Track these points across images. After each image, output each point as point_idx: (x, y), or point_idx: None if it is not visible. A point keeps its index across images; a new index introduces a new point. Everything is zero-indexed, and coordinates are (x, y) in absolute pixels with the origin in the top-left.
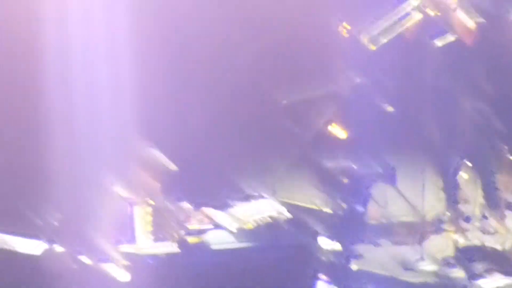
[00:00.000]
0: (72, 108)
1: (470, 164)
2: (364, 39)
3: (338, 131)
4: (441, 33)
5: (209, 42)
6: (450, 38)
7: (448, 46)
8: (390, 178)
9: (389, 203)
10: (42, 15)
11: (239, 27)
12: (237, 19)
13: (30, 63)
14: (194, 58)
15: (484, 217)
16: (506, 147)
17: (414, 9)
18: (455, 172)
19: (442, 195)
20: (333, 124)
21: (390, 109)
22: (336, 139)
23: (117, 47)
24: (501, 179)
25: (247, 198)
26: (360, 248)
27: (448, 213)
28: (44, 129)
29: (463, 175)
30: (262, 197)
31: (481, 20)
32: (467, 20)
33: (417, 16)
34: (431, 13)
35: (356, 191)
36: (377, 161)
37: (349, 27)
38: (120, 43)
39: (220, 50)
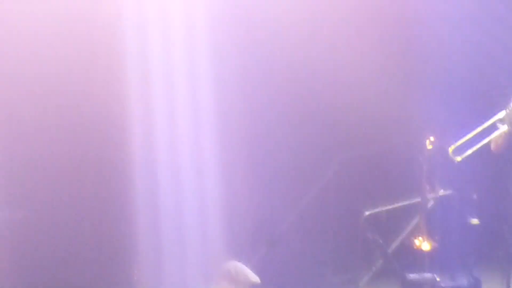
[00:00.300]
0: None
1: None
2: (450, 151)
3: (422, 243)
4: None
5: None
6: None
7: None
8: None
9: None
10: None
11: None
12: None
13: None
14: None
15: None
16: None
17: (500, 121)
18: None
19: None
20: (418, 236)
21: (475, 221)
22: (420, 251)
23: None
24: None
25: None
26: None
27: None
28: None
29: None
30: None
31: None
32: None
33: (503, 128)
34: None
35: None
36: (461, 274)
37: (434, 139)
38: None
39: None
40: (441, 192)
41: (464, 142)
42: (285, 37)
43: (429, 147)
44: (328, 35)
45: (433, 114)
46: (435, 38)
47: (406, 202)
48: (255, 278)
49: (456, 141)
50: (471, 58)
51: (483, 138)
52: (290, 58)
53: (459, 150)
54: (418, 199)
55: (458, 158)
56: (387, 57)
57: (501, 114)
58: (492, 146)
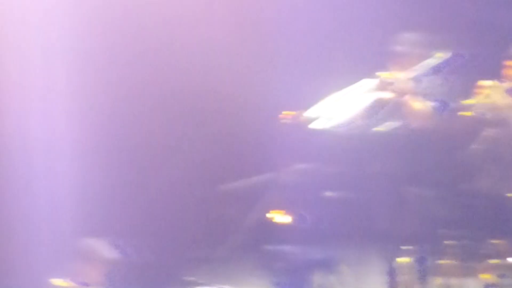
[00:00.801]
0: None
1: (410, 248)
2: (307, 122)
3: (279, 216)
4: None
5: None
6: (396, 123)
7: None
8: (331, 264)
9: None
10: None
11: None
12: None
13: None
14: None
15: None
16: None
17: (364, 93)
18: (395, 257)
19: (384, 279)
20: (275, 210)
21: (330, 193)
22: (277, 225)
23: None
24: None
25: (186, 286)
26: None
27: None
28: None
29: (402, 260)
30: (204, 285)
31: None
32: (420, 105)
33: (367, 101)
34: (383, 96)
35: (296, 277)
36: (320, 247)
37: (291, 113)
38: None
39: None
40: (297, 165)
41: (323, 114)
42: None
43: (284, 120)
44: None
45: (288, 87)
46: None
47: (262, 176)
48: (111, 254)
49: (313, 113)
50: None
51: (345, 108)
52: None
53: (317, 122)
54: (275, 173)
55: (315, 128)
56: (243, 37)
57: (366, 85)
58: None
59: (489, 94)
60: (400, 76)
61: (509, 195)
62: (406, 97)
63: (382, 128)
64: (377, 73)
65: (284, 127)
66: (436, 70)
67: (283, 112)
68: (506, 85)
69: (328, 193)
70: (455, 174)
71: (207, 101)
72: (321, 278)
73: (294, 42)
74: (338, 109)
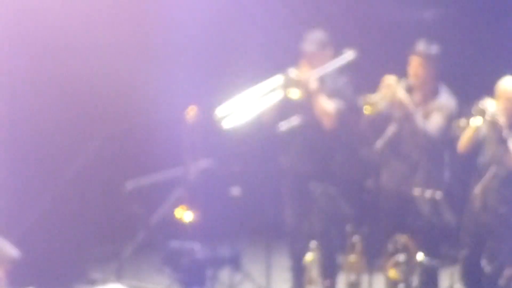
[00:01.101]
0: None
1: (315, 245)
2: (216, 120)
3: (184, 214)
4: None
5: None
6: (302, 121)
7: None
8: (236, 261)
9: (236, 284)
10: None
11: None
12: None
13: None
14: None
15: None
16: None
17: (271, 90)
18: (302, 253)
19: (288, 276)
20: (180, 207)
21: (236, 192)
22: (182, 222)
23: None
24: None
25: (92, 283)
26: None
27: None
28: None
29: (309, 256)
30: (108, 281)
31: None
32: (327, 104)
33: (273, 99)
34: (289, 95)
35: (201, 274)
36: (223, 245)
37: (196, 110)
38: None
39: (65, 136)
40: (204, 163)
41: (233, 113)
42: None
43: (189, 116)
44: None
45: (195, 84)
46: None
47: (168, 174)
48: (14, 252)
49: (222, 111)
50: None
51: (253, 106)
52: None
53: (227, 120)
54: (180, 171)
55: (225, 128)
56: (141, 33)
57: (274, 83)
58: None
59: (393, 90)
60: (308, 75)
61: (414, 191)
62: (313, 96)
63: (289, 125)
64: (286, 72)
65: (191, 124)
66: (343, 68)
67: (189, 108)
68: (409, 81)
69: (234, 190)
70: (361, 171)
71: (112, 98)
72: (226, 274)
73: (203, 40)
74: (247, 106)
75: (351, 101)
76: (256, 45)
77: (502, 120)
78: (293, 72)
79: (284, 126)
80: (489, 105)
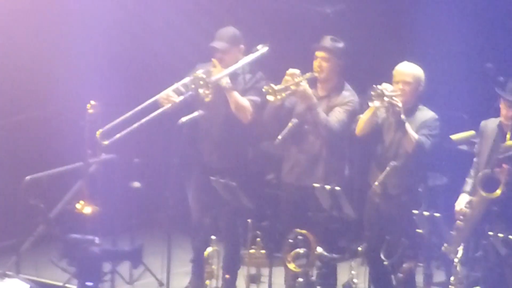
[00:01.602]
0: None
1: (216, 238)
2: (98, 134)
3: (84, 207)
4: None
5: None
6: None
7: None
8: (136, 255)
9: (136, 278)
10: None
11: None
12: None
13: None
14: None
15: None
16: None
17: (183, 86)
18: (202, 247)
19: (188, 270)
20: (80, 200)
21: (137, 185)
22: (82, 215)
23: None
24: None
25: None
26: None
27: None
28: None
29: (209, 250)
30: (7, 275)
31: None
32: (241, 99)
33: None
34: (200, 91)
35: (97, 268)
36: (123, 237)
37: (95, 104)
38: None
39: None
40: (103, 156)
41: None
42: None
43: (90, 111)
44: None
45: (97, 79)
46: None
47: (68, 166)
48: None
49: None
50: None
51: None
52: None
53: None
54: (80, 163)
55: (105, 142)
56: (43, 25)
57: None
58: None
59: (296, 82)
60: (220, 72)
61: (314, 185)
62: (227, 92)
63: (190, 118)
64: (197, 69)
65: (91, 118)
66: (253, 64)
67: (89, 104)
68: (313, 74)
69: (135, 183)
70: (262, 164)
71: (12, 90)
72: (126, 268)
73: (110, 35)
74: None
75: (259, 96)
76: (165, 42)
77: (399, 102)
78: (201, 74)
79: (185, 118)
80: (387, 88)
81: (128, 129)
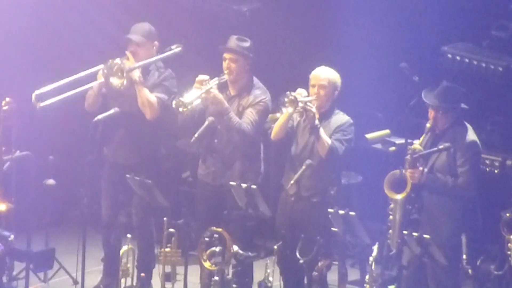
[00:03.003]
0: None
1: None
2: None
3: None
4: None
5: None
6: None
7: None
8: (49, 254)
9: (51, 277)
10: None
11: None
12: None
13: None
14: None
15: None
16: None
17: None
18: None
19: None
20: None
21: (51, 182)
22: None
23: None
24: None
25: None
26: None
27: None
28: None
29: (124, 248)
30: None
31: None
32: (149, 95)
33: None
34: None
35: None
36: (38, 235)
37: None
38: None
39: None
40: (17, 153)
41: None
42: None
43: (5, 108)
44: None
45: (12, 75)
46: None
47: None
48: None
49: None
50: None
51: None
52: None
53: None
54: None
55: (41, 104)
56: None
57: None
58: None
59: (205, 88)
60: (132, 64)
61: (231, 183)
62: (136, 85)
63: (106, 115)
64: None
65: (6, 115)
66: (164, 62)
67: (4, 101)
68: (222, 77)
69: (49, 180)
70: (178, 163)
71: None
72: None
73: (26, 31)
74: (67, 95)
75: (172, 94)
76: (81, 35)
77: (313, 108)
78: (116, 61)
79: (101, 116)
80: (302, 93)
81: (63, 96)
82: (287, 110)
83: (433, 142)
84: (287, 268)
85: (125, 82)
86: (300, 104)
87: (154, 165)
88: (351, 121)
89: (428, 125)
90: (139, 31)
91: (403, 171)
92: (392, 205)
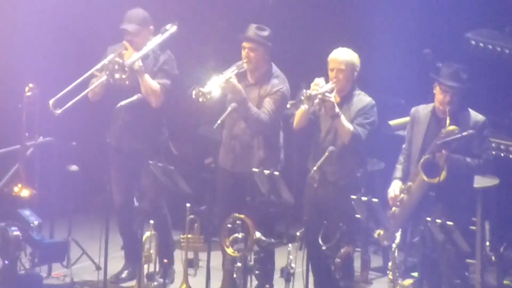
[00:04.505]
0: None
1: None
2: (50, 104)
3: (21, 190)
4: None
5: None
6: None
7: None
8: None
9: (74, 262)
10: None
11: None
12: None
13: None
14: None
15: None
16: None
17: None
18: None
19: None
20: (17, 183)
21: (74, 168)
22: (19, 198)
23: None
24: None
25: None
26: None
27: None
28: None
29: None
30: None
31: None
32: (152, 82)
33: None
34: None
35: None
36: (61, 222)
37: (33, 86)
38: None
39: None
40: (41, 139)
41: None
42: None
43: (28, 94)
44: None
45: (34, 62)
46: None
47: (5, 149)
48: None
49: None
50: None
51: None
52: None
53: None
54: (17, 146)
55: (58, 111)
56: None
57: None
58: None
59: (227, 82)
60: (131, 56)
61: (253, 169)
62: (138, 75)
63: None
64: (108, 52)
65: (29, 101)
66: (162, 44)
67: (27, 87)
68: (241, 66)
69: (71, 167)
70: (200, 149)
71: None
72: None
73: (48, 20)
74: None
75: (175, 77)
76: (105, 19)
77: (332, 98)
78: (116, 54)
79: (124, 102)
80: (319, 83)
81: (76, 98)
82: (305, 107)
83: (437, 125)
84: (313, 255)
85: (126, 76)
86: (319, 96)
87: (158, 149)
88: (373, 102)
89: (448, 109)
90: (133, 19)
91: (436, 155)
92: (410, 184)
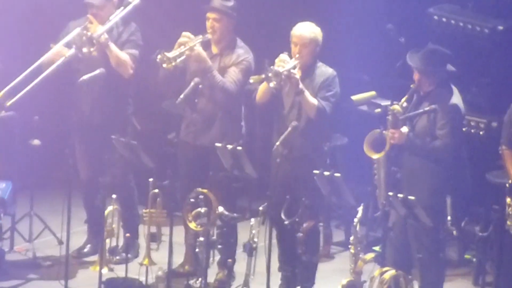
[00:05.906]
0: None
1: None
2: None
3: None
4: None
5: None
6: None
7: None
8: None
9: (36, 237)
10: None
11: None
12: None
13: None
14: None
15: None
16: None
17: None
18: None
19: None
20: None
21: (36, 142)
22: None
23: None
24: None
25: None
26: None
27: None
28: None
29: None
30: None
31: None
32: (120, 54)
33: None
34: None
35: None
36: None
37: None
38: None
39: None
40: (2, 113)
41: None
42: None
43: None
44: None
45: None
46: None
47: None
48: None
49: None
50: None
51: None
52: None
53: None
54: None
55: (8, 103)
56: None
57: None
58: None
59: (190, 46)
60: (97, 29)
61: (216, 144)
62: (106, 48)
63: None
64: (70, 27)
65: None
66: (125, 17)
67: None
68: (206, 36)
69: (34, 141)
70: (163, 123)
71: None
72: (26, 226)
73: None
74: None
75: (141, 48)
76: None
77: (297, 74)
78: (81, 27)
79: (86, 76)
80: (284, 60)
81: (27, 89)
82: (272, 84)
83: (417, 104)
84: (278, 229)
85: (94, 49)
86: (285, 73)
87: (125, 123)
88: (334, 73)
89: (412, 86)
90: None
91: (383, 131)
92: (376, 165)
